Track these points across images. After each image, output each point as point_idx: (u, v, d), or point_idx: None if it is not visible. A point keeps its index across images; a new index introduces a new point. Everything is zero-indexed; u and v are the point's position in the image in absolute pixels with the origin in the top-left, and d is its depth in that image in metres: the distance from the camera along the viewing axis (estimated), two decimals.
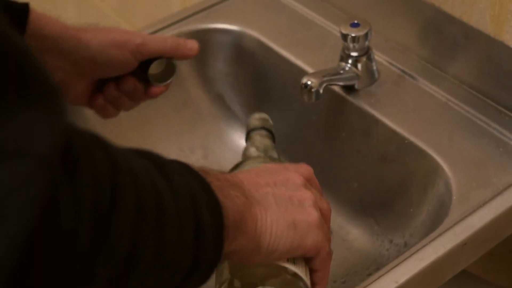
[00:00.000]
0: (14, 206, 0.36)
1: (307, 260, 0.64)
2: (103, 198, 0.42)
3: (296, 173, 0.65)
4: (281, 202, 0.61)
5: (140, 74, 0.80)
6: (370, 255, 0.91)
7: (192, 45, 0.81)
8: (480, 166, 0.82)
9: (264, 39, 1.01)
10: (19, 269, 0.38)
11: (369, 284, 0.71)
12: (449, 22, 0.89)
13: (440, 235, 0.75)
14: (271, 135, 0.87)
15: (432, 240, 0.75)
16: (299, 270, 0.62)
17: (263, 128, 0.86)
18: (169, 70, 0.81)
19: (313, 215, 0.62)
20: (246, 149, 0.85)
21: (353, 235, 0.93)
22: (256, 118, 0.88)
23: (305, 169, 0.68)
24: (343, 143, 0.94)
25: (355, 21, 0.89)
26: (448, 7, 0.88)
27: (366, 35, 0.89)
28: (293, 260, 0.62)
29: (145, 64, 0.79)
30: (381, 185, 0.91)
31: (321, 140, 0.97)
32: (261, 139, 0.85)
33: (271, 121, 0.88)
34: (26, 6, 0.74)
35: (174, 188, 0.49)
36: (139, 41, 0.78)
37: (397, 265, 0.73)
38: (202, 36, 1.04)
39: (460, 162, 0.83)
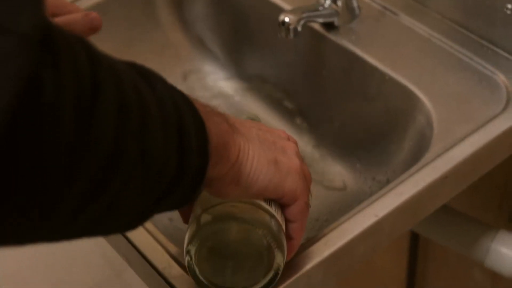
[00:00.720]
0: None
1: (283, 209, 0.62)
2: (85, 88, 0.41)
3: (280, 130, 0.65)
4: (264, 142, 0.60)
5: None
6: (353, 193, 0.90)
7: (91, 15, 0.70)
8: (462, 101, 0.81)
9: None
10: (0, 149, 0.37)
11: (349, 218, 0.70)
12: None
13: (420, 169, 0.74)
14: None
15: (412, 175, 0.74)
16: (275, 212, 0.60)
17: None
18: None
19: (295, 161, 0.61)
20: None
21: (335, 173, 0.93)
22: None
23: (290, 136, 0.66)
24: (324, 82, 0.93)
25: None
26: None
27: None
28: (270, 202, 0.61)
29: None
30: (363, 123, 0.90)
31: (302, 79, 0.96)
32: None
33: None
34: None
35: (156, 94, 0.48)
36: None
37: (377, 199, 0.72)
38: None
39: (441, 97, 0.81)
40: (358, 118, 0.90)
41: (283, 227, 0.61)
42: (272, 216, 0.60)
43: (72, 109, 0.40)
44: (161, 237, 0.70)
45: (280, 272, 0.60)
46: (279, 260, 0.60)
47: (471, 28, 0.87)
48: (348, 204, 0.88)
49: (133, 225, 0.50)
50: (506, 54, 0.85)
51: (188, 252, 0.59)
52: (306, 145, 0.96)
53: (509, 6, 0.81)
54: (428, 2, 0.91)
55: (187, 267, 0.60)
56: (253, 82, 1.01)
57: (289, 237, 0.62)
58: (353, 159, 0.91)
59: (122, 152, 0.43)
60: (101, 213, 0.45)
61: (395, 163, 0.86)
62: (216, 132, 0.53)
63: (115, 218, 0.47)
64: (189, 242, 0.59)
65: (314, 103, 0.95)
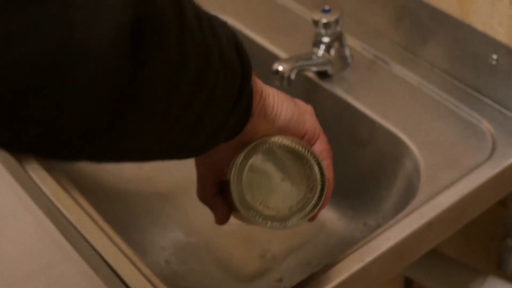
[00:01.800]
0: None
1: None
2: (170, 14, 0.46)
3: None
4: (275, 89, 0.63)
5: None
6: (345, 238, 0.92)
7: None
8: (449, 148, 0.83)
9: (239, 25, 1.02)
10: (132, 48, 0.42)
11: (337, 263, 0.72)
12: (419, 6, 0.90)
13: (407, 215, 0.76)
14: None
15: (399, 221, 0.76)
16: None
17: None
18: None
19: (309, 106, 0.65)
20: None
21: (328, 219, 0.95)
22: None
23: None
24: None
25: (326, 7, 0.90)
26: None
27: (337, 20, 0.90)
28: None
29: None
30: (354, 169, 0.92)
31: None
32: None
33: None
34: None
35: (209, 14, 0.53)
36: None
37: (364, 244, 0.74)
38: None
39: (429, 144, 0.84)
40: (349, 163, 0.93)
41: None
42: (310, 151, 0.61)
43: (173, 18, 0.46)
44: (156, 281, 0.72)
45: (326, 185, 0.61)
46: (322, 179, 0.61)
47: (458, 77, 0.90)
48: (340, 249, 0.90)
49: (206, 147, 0.54)
50: (491, 103, 0.87)
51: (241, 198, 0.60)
52: None
53: (494, 56, 0.84)
54: (418, 52, 0.93)
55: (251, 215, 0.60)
56: None
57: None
58: (345, 205, 0.93)
59: (209, 50, 0.49)
60: (197, 114, 0.50)
61: (385, 209, 0.88)
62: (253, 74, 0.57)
63: (203, 127, 0.52)
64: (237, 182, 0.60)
65: None
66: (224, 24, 0.54)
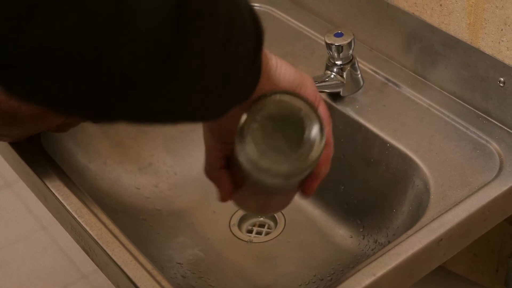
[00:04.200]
0: None
1: None
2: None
3: None
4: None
5: None
6: (357, 255, 0.95)
7: None
8: (458, 168, 0.86)
9: None
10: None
11: (348, 277, 0.75)
12: (429, 31, 0.93)
13: (416, 231, 0.79)
14: None
15: (409, 237, 0.78)
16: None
17: None
18: None
19: (311, 79, 0.67)
20: None
21: (340, 236, 0.97)
22: None
23: None
24: None
25: (339, 31, 0.94)
26: (427, 16, 0.92)
27: (349, 44, 0.93)
28: None
29: None
30: (366, 188, 0.95)
31: None
32: None
33: None
34: None
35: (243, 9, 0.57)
36: None
37: (375, 259, 0.76)
38: None
39: (439, 164, 0.87)
40: (361, 183, 0.95)
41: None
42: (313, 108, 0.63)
43: None
44: None
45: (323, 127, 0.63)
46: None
47: (467, 100, 0.93)
48: (352, 266, 0.93)
49: (229, 107, 0.58)
50: (499, 124, 0.90)
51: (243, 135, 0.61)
52: (313, 208, 1.01)
53: (501, 79, 0.87)
54: (428, 75, 0.97)
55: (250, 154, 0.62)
56: None
57: None
58: (357, 223, 0.96)
59: (232, 11, 0.53)
60: (225, 70, 0.54)
61: (395, 227, 0.90)
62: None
63: (230, 83, 0.56)
64: (243, 125, 0.61)
65: None
66: None
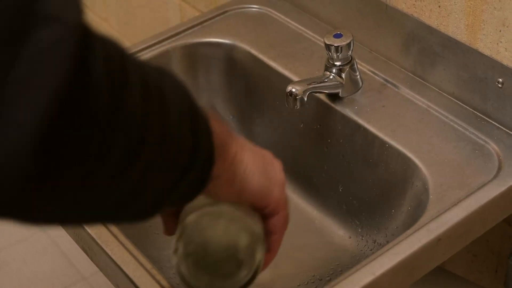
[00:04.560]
0: (55, 58, 0.43)
1: (266, 220, 0.66)
2: (117, 73, 0.47)
3: (267, 152, 0.69)
4: (256, 153, 0.65)
5: None
6: (356, 255, 0.95)
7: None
8: (457, 168, 0.86)
9: (254, 51, 1.06)
10: (59, 116, 0.43)
11: (347, 277, 0.75)
12: (428, 32, 0.93)
13: (415, 231, 0.79)
14: None
15: (408, 236, 0.79)
16: (259, 227, 0.65)
17: None
18: None
19: (282, 176, 0.66)
20: None
21: (339, 237, 0.97)
22: None
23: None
24: (329, 149, 0.98)
25: (338, 32, 0.94)
26: (426, 17, 0.93)
27: (348, 45, 0.93)
28: (253, 216, 0.65)
29: None
30: (365, 188, 0.95)
31: (308, 146, 1.01)
32: None
33: None
34: None
35: (171, 84, 0.54)
36: None
37: (375, 258, 0.77)
38: (196, 49, 1.09)
39: (437, 164, 0.87)
40: (360, 183, 0.96)
41: (263, 239, 0.66)
42: (257, 221, 0.65)
43: (108, 91, 0.46)
44: None
45: (259, 270, 0.65)
46: (259, 257, 0.64)
47: (466, 100, 0.93)
48: (350, 266, 0.93)
49: (150, 212, 0.56)
50: (498, 125, 0.90)
51: (175, 250, 0.64)
52: (312, 209, 1.01)
53: (500, 80, 0.87)
54: (427, 76, 0.97)
55: (175, 268, 0.64)
56: (263, 148, 1.07)
57: (267, 249, 0.67)
58: (356, 223, 0.96)
59: (148, 128, 0.50)
60: (124, 194, 0.51)
61: (394, 227, 0.91)
62: (217, 131, 0.58)
63: (134, 202, 0.52)
64: (177, 240, 0.64)
65: (319, 168, 1.00)
66: (182, 94, 0.55)
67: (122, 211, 0.53)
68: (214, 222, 0.64)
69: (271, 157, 0.68)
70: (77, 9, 0.45)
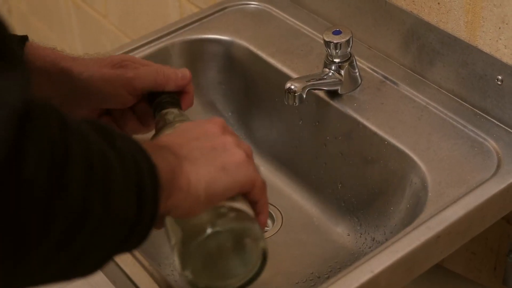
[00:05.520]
0: None
1: (246, 195, 0.68)
2: (56, 156, 0.47)
3: (211, 124, 0.69)
4: (206, 152, 0.65)
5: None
6: (354, 252, 0.95)
7: (184, 73, 0.82)
8: (456, 165, 0.86)
9: (253, 48, 1.06)
10: None
11: (346, 274, 0.75)
12: (427, 29, 0.93)
13: (414, 228, 0.79)
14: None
15: (407, 234, 0.78)
16: (240, 205, 0.66)
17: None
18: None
19: (238, 153, 0.66)
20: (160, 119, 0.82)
21: (338, 234, 0.97)
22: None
23: (217, 120, 0.71)
24: (328, 146, 0.98)
25: (337, 29, 0.94)
26: (425, 14, 0.93)
27: (347, 42, 0.93)
28: (232, 199, 0.66)
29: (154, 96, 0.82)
30: (363, 186, 0.95)
31: (307, 143, 1.01)
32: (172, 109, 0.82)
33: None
34: (23, 39, 0.77)
35: (117, 151, 0.54)
36: (130, 75, 0.80)
37: (374, 256, 0.76)
38: (195, 46, 1.08)
39: (436, 162, 0.87)
40: (359, 180, 0.95)
41: (251, 210, 0.67)
42: (242, 211, 0.66)
43: (46, 177, 0.46)
44: None
45: (267, 254, 0.66)
46: (262, 245, 0.66)
47: (465, 98, 0.93)
48: (349, 263, 0.93)
49: (97, 268, 0.56)
50: (497, 122, 0.90)
51: (186, 277, 0.65)
52: (311, 206, 1.01)
53: (499, 77, 0.87)
54: (426, 73, 0.97)
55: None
56: (262, 145, 1.07)
57: (257, 214, 0.68)
58: (354, 221, 0.96)
59: (88, 209, 0.50)
60: (71, 261, 0.52)
61: (393, 225, 0.90)
62: (165, 167, 0.59)
63: (82, 265, 0.54)
64: (182, 268, 0.65)
65: (318, 165, 1.00)
66: (130, 153, 0.56)
67: (72, 273, 0.54)
68: (208, 238, 0.64)
69: (218, 135, 0.68)
70: (18, 90, 0.45)
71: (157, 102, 0.81)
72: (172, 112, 0.80)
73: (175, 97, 0.82)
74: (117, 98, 0.80)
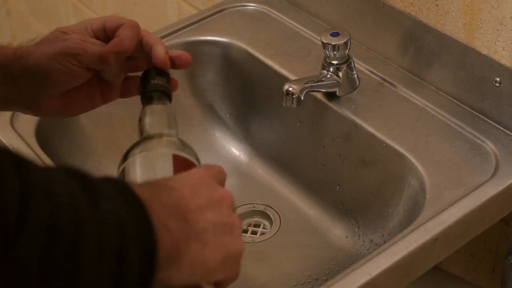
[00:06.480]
0: None
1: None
2: (9, 216, 0.44)
3: (226, 191, 0.63)
4: (217, 232, 0.60)
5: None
6: (352, 254, 0.94)
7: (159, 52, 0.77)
8: (454, 167, 0.86)
9: (251, 50, 1.05)
10: None
11: (343, 277, 0.75)
12: (425, 31, 0.93)
13: (412, 231, 0.79)
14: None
15: (405, 236, 0.78)
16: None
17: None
18: None
19: (241, 245, 0.62)
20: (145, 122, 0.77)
21: (336, 236, 0.97)
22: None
23: (222, 173, 0.65)
24: (326, 148, 0.98)
25: (335, 31, 0.93)
26: (423, 16, 0.92)
27: (345, 43, 0.93)
28: None
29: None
30: (361, 188, 0.95)
31: (305, 145, 1.01)
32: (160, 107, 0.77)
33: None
34: None
35: (98, 212, 0.49)
36: (76, 50, 0.73)
37: (371, 258, 0.76)
38: (193, 47, 1.08)
39: (434, 164, 0.87)
40: (357, 182, 0.95)
41: None
42: None
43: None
44: None
45: None
46: None
47: (463, 100, 0.93)
48: (347, 266, 0.93)
49: None
50: (495, 124, 0.90)
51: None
52: (309, 208, 1.01)
53: (497, 79, 0.87)
54: (424, 75, 0.97)
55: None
56: (260, 147, 1.07)
57: None
58: (352, 223, 0.96)
59: (50, 280, 0.46)
60: None
61: (391, 227, 0.90)
62: (170, 241, 0.54)
63: None
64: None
65: (316, 167, 1.00)
66: (114, 229, 0.50)
67: None
68: None
69: (232, 216, 0.62)
70: None
71: (146, 86, 0.77)
72: (161, 112, 0.76)
73: (166, 86, 0.78)
74: (70, 73, 0.74)
